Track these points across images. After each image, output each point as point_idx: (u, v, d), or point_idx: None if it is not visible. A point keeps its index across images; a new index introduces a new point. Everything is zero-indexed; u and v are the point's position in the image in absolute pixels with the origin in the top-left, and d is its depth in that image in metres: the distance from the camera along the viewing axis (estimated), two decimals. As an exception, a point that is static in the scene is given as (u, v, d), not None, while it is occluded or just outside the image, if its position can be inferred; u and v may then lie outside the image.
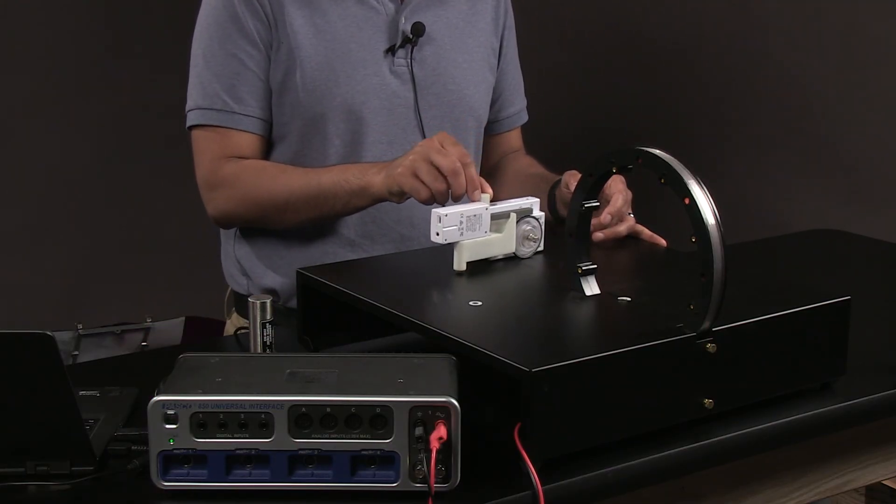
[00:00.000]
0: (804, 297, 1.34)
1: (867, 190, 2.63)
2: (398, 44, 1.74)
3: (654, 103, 3.09)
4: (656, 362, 1.21)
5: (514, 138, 2.00)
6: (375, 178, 1.59)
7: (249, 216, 1.74)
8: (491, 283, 1.45)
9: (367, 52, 1.74)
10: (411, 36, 1.75)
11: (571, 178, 1.68)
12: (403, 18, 1.75)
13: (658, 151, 1.27)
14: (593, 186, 1.36)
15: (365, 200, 1.64)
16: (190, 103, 1.75)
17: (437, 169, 1.50)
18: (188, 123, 1.75)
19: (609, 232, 1.61)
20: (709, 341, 1.23)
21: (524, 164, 1.94)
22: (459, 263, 1.45)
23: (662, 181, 1.25)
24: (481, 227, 1.46)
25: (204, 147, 1.75)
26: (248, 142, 1.74)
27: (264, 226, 1.76)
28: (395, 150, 1.74)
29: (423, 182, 1.51)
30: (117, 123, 3.41)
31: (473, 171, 1.50)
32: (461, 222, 1.44)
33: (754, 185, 2.84)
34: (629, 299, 1.34)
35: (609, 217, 1.60)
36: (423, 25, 1.75)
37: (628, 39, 3.14)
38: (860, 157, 2.64)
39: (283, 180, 1.69)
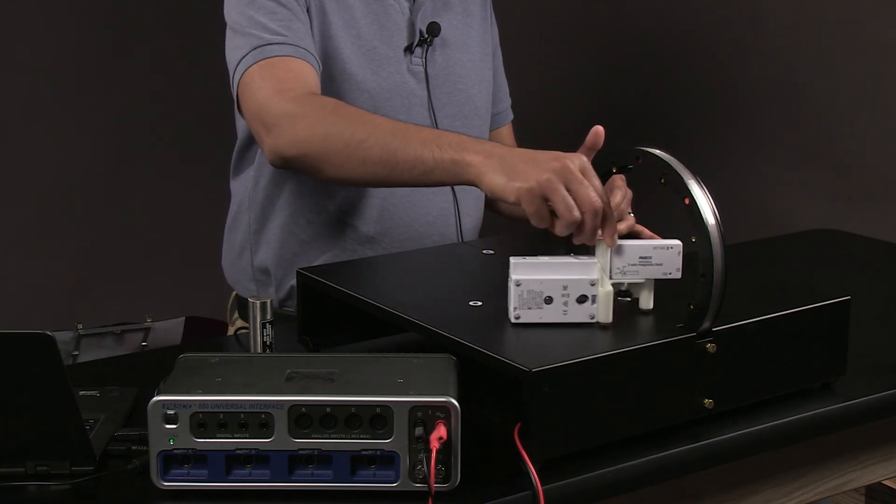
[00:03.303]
0: (804, 297, 1.34)
1: (867, 190, 2.63)
2: (415, 42, 1.75)
3: (654, 103, 3.09)
4: (656, 362, 1.21)
5: (505, 135, 2.00)
6: (479, 161, 1.36)
7: (312, 154, 1.51)
8: (491, 283, 1.45)
9: (390, 50, 1.74)
10: (427, 36, 1.76)
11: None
12: (419, 17, 1.77)
13: (658, 151, 1.27)
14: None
15: (450, 178, 1.40)
16: (239, 54, 1.61)
17: (581, 203, 1.27)
18: (240, 73, 1.60)
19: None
20: (709, 341, 1.23)
21: None
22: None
23: (662, 181, 1.25)
24: None
25: (264, 79, 1.56)
26: (314, 77, 1.58)
27: (320, 173, 1.54)
28: None
29: (550, 208, 1.28)
30: (118, 123, 3.41)
31: (611, 212, 1.29)
32: None
33: (754, 185, 2.84)
34: (629, 299, 1.34)
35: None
36: (439, 25, 1.77)
37: (628, 38, 3.15)
38: (860, 157, 2.64)
39: (365, 123, 1.49)
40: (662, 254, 1.27)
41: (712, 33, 2.93)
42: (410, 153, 1.43)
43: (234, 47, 1.63)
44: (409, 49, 1.76)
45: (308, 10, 1.69)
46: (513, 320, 1.25)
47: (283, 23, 1.62)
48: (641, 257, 1.27)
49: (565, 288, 1.25)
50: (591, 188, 1.27)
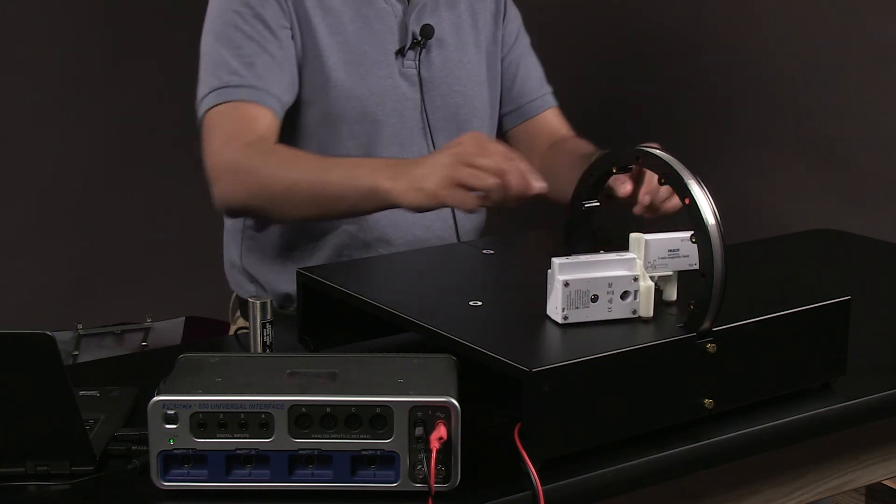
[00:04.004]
0: (804, 297, 1.34)
1: (867, 190, 2.63)
2: (408, 45, 1.75)
3: (655, 103, 3.09)
4: (656, 362, 1.21)
5: (552, 121, 1.93)
6: (392, 186, 1.42)
7: (253, 204, 1.59)
8: (491, 283, 1.45)
9: (380, 54, 1.74)
10: (420, 38, 1.75)
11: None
12: (412, 19, 1.75)
13: (658, 151, 1.27)
14: (593, 186, 1.36)
15: (376, 204, 1.48)
16: (203, 90, 1.65)
17: (485, 169, 1.35)
18: (201, 111, 1.65)
19: (660, 208, 1.53)
20: (709, 341, 1.23)
21: (576, 146, 1.83)
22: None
23: (662, 181, 1.25)
24: None
25: (217, 127, 1.62)
26: (266, 120, 1.62)
27: (268, 218, 1.67)
28: (405, 153, 1.74)
29: (468, 189, 1.36)
30: (119, 123, 3.41)
31: (524, 163, 1.35)
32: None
33: (754, 185, 2.84)
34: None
35: (648, 198, 1.52)
36: (433, 27, 1.76)
37: (629, 39, 3.15)
38: (860, 157, 2.64)
39: (291, 166, 1.55)
40: (688, 246, 1.27)
41: (712, 33, 2.93)
42: (333, 190, 1.50)
43: (201, 80, 1.67)
44: (400, 52, 1.75)
45: (292, 21, 1.68)
46: (560, 321, 1.25)
47: (246, 59, 1.64)
48: (670, 250, 1.29)
49: (610, 285, 1.26)
50: (493, 155, 1.34)
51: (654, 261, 1.29)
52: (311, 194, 1.52)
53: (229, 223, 1.86)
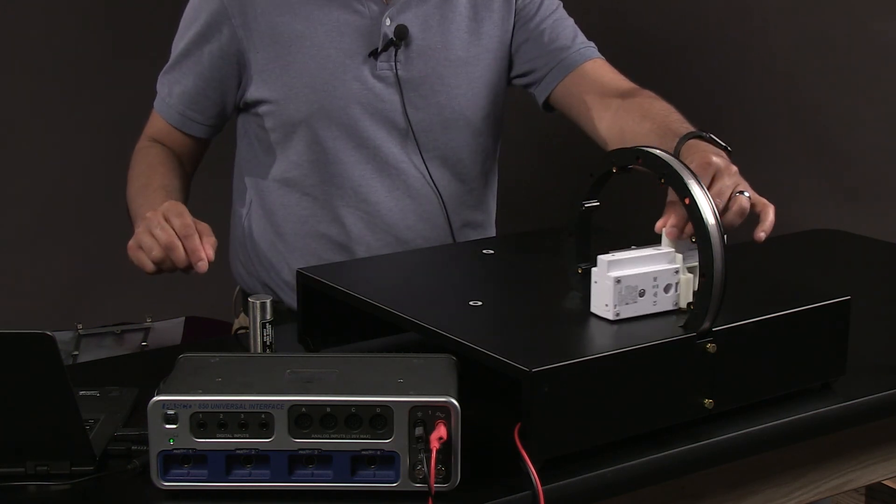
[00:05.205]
0: (804, 297, 1.34)
1: (867, 190, 2.63)
2: (380, 48, 1.73)
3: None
4: (656, 362, 1.21)
5: (597, 72, 1.83)
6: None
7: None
8: (491, 283, 1.45)
9: (347, 58, 1.73)
10: (394, 38, 1.73)
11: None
12: (388, 20, 1.73)
13: (658, 151, 1.27)
14: (593, 186, 1.36)
15: None
16: (158, 93, 1.86)
17: (157, 241, 1.45)
18: (154, 106, 1.88)
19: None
20: (709, 341, 1.23)
21: (647, 108, 1.75)
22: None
23: (662, 181, 1.25)
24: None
25: (149, 122, 1.88)
26: (171, 138, 1.84)
27: None
28: (383, 154, 1.75)
29: (146, 255, 1.47)
30: (118, 122, 3.40)
31: (195, 241, 1.44)
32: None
33: (755, 186, 2.83)
34: None
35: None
36: (406, 28, 1.74)
37: (628, 39, 3.14)
38: (860, 158, 2.64)
39: (134, 179, 1.77)
40: None
41: (712, 34, 2.93)
42: (132, 212, 1.71)
43: (159, 83, 1.88)
44: (373, 54, 1.74)
45: (247, 40, 1.72)
46: (612, 318, 1.26)
47: (181, 86, 1.81)
48: (694, 241, 1.29)
49: (655, 279, 1.27)
50: (167, 229, 1.44)
51: (686, 253, 1.30)
52: (129, 204, 1.74)
53: (236, 205, 1.89)
